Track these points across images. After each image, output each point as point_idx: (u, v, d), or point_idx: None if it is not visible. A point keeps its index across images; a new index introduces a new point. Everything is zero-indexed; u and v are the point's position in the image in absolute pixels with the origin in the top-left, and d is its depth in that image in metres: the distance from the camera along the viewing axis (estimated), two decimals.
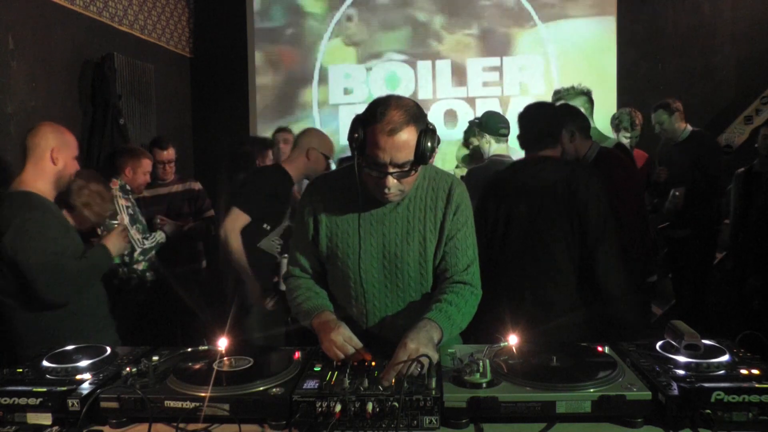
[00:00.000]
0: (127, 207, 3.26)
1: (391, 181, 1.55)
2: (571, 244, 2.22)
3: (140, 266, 3.29)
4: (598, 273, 2.18)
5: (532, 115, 2.44)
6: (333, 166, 3.55)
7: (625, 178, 2.64)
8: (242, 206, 2.78)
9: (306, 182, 3.47)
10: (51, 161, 2.36)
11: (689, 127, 4.02)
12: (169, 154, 3.86)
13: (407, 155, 1.53)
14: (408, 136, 1.52)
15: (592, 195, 2.20)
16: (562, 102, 3.13)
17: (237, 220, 2.76)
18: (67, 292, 2.26)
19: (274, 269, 2.91)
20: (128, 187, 3.36)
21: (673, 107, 3.97)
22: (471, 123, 3.84)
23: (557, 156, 2.40)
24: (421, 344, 1.44)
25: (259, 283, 2.81)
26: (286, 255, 2.81)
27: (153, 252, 3.35)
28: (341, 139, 5.48)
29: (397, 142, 1.51)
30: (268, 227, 2.84)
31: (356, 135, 1.55)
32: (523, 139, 2.45)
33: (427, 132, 1.54)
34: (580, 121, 2.71)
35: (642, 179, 3.61)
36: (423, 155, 1.53)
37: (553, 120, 2.45)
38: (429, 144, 1.53)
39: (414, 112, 1.54)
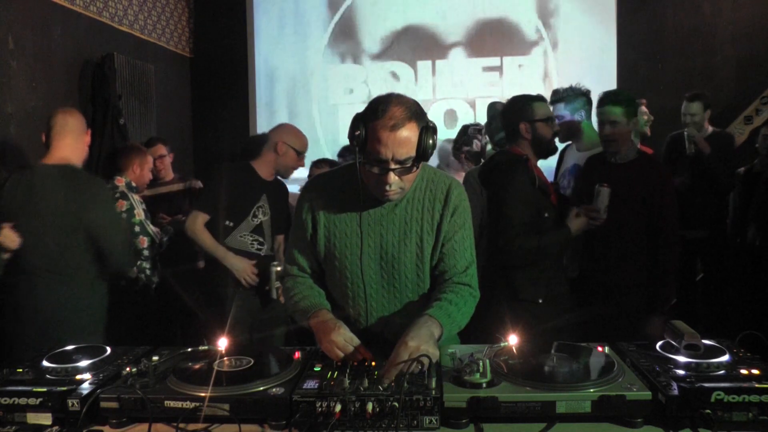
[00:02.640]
0: (141, 202, 3.29)
1: (393, 177, 1.55)
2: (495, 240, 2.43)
3: (148, 264, 3.31)
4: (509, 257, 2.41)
5: (503, 108, 2.69)
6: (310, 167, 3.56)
7: (660, 182, 2.65)
8: (199, 205, 2.87)
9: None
10: (85, 143, 2.51)
11: (710, 127, 4.03)
12: (160, 150, 3.89)
13: (409, 151, 1.53)
14: (409, 132, 1.52)
15: (499, 192, 2.43)
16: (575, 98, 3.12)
17: (196, 219, 2.82)
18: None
19: (262, 275, 2.89)
20: (133, 185, 3.36)
21: (709, 102, 3.98)
22: (469, 127, 3.84)
23: (515, 150, 2.52)
24: (422, 341, 1.45)
25: (243, 262, 2.84)
26: (275, 263, 2.84)
27: (167, 244, 3.38)
28: (341, 139, 5.47)
29: (399, 138, 1.51)
30: (231, 224, 2.85)
31: (357, 132, 1.55)
32: None
33: (428, 129, 1.55)
34: (636, 114, 2.81)
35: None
36: (424, 152, 1.54)
37: (506, 116, 2.58)
38: (430, 141, 1.54)
39: (415, 110, 1.56)
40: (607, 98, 2.77)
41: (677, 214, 2.68)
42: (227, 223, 2.84)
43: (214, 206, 2.83)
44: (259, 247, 2.91)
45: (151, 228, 3.28)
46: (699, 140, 3.84)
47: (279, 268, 2.83)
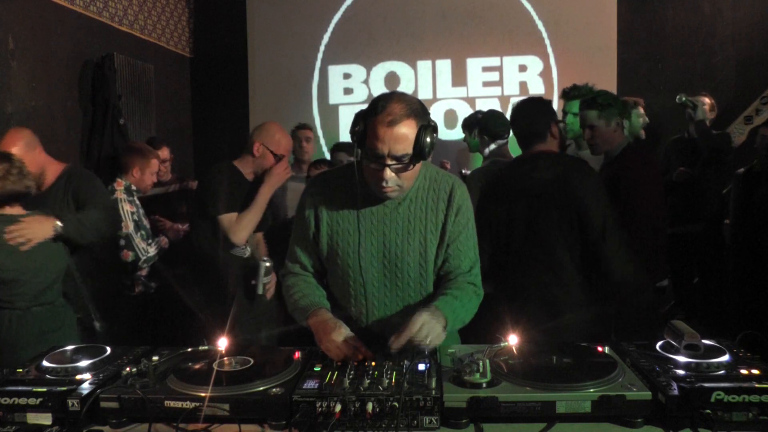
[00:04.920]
0: (132, 213, 3.21)
1: (389, 173, 1.56)
2: (572, 242, 2.24)
3: (143, 272, 3.27)
4: (610, 269, 2.20)
5: (518, 112, 2.50)
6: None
7: (647, 177, 2.63)
8: (216, 212, 2.70)
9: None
10: None
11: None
12: (164, 153, 3.87)
13: (405, 148, 1.54)
14: (407, 129, 1.53)
15: (590, 192, 2.21)
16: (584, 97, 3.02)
17: (230, 224, 2.70)
18: None
19: (247, 271, 2.86)
20: (133, 188, 3.33)
21: (712, 102, 3.99)
22: (471, 118, 3.86)
23: (550, 150, 2.41)
24: (434, 317, 1.48)
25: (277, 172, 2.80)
26: (265, 258, 2.81)
27: (156, 258, 3.33)
28: (341, 139, 5.47)
29: (396, 134, 1.52)
30: None
31: (357, 128, 1.57)
32: (517, 138, 2.53)
33: (428, 128, 1.55)
34: (624, 112, 2.72)
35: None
36: (422, 150, 1.55)
37: (536, 116, 2.44)
38: (428, 140, 1.55)
39: (415, 108, 1.56)
40: (584, 103, 2.79)
41: (640, 211, 2.57)
42: None
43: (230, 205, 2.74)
44: (243, 248, 2.89)
45: (139, 244, 3.19)
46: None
47: (268, 264, 2.81)
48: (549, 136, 2.41)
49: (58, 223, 2.49)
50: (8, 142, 2.69)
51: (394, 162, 1.55)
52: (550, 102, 2.53)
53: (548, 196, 2.25)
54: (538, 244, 2.27)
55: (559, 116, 3.36)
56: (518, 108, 2.52)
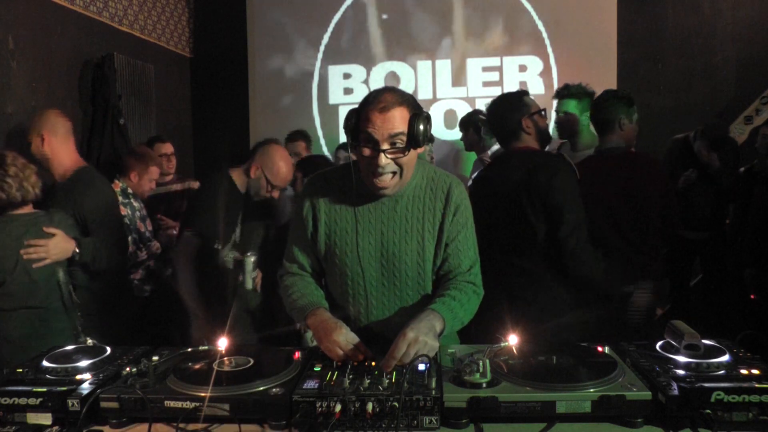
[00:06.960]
0: (126, 214, 3.20)
1: (384, 159, 1.56)
2: (542, 246, 2.20)
3: (136, 276, 3.26)
4: (570, 263, 2.16)
5: (489, 113, 2.48)
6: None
7: (650, 178, 2.62)
8: (193, 228, 2.64)
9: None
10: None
11: None
12: (168, 148, 3.90)
13: (399, 126, 1.55)
14: (400, 114, 1.55)
15: (560, 187, 2.17)
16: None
17: (188, 246, 2.63)
18: None
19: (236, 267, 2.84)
20: (129, 191, 3.32)
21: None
22: (475, 117, 3.85)
23: (526, 147, 2.34)
24: (421, 333, 1.46)
25: (205, 322, 2.68)
26: (250, 254, 2.73)
27: (147, 262, 3.31)
28: (341, 139, 5.48)
29: (389, 117, 1.54)
30: (219, 246, 2.68)
31: (350, 121, 1.59)
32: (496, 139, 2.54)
33: (420, 116, 1.56)
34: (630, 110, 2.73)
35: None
36: (416, 136, 1.55)
37: (506, 113, 2.37)
38: (421, 126, 1.55)
39: (408, 98, 1.59)
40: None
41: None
42: (216, 246, 2.68)
43: (207, 228, 2.64)
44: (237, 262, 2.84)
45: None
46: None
47: (253, 259, 2.73)
48: (522, 132, 2.34)
49: (76, 249, 2.42)
50: (55, 124, 2.64)
51: (389, 146, 1.56)
52: (520, 96, 2.43)
53: (516, 197, 2.20)
54: (510, 248, 2.25)
55: (553, 116, 3.36)
56: (489, 108, 2.48)
